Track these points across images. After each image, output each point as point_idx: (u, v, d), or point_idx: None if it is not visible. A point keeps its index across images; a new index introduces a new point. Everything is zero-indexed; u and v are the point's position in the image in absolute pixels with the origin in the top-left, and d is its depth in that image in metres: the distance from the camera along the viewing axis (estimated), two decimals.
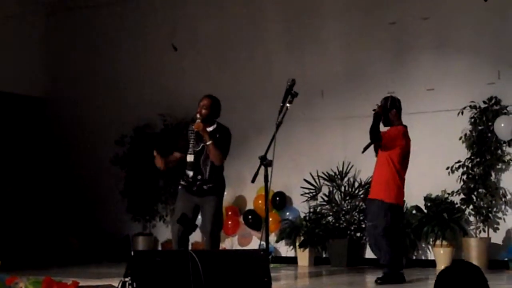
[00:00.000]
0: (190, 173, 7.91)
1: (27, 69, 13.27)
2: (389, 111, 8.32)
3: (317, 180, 11.15)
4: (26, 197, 12.74)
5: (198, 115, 7.82)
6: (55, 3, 13.62)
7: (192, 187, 7.91)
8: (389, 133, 8.30)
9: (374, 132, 8.16)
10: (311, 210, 11.10)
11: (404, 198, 10.12)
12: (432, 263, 10.18)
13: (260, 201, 11.30)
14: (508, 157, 10.08)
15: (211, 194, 7.90)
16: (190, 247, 8.37)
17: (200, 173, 7.87)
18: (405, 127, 8.36)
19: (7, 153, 12.68)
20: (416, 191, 10.12)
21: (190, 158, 7.91)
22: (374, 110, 8.29)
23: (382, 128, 8.40)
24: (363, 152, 8.47)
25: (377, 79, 10.95)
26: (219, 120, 8.05)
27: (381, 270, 8.23)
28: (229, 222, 11.68)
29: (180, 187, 8.08)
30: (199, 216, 8.06)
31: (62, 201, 13.14)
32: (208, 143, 7.74)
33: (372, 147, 8.42)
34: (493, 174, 10.11)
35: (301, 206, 11.29)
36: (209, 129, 7.87)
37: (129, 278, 5.39)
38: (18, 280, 6.84)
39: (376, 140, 8.19)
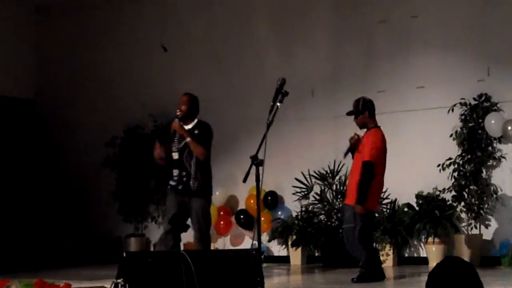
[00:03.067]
0: (176, 171, 8.06)
1: (16, 71, 13.24)
2: (361, 113, 8.32)
3: (308, 179, 11.15)
4: (17, 199, 12.70)
5: (178, 112, 8.04)
6: (44, 5, 13.58)
7: (178, 185, 8.01)
8: (370, 140, 8.22)
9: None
10: (303, 209, 11.11)
11: (396, 196, 10.23)
12: (424, 260, 10.20)
13: (252, 201, 11.30)
14: (498, 154, 10.10)
15: (199, 195, 8.01)
16: (182, 247, 8.36)
17: (184, 170, 8.00)
18: (379, 128, 8.34)
19: None
20: (408, 188, 10.15)
21: (175, 156, 8.07)
22: (350, 139, 8.34)
23: (358, 131, 8.44)
24: (344, 157, 8.60)
25: (367, 77, 10.96)
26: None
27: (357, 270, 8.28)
28: (221, 222, 11.67)
29: (168, 187, 8.19)
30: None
31: (53, 203, 13.11)
32: (187, 140, 7.91)
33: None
34: (484, 171, 10.13)
35: (293, 205, 11.29)
36: (189, 126, 8.08)
37: (121, 279, 5.39)
38: (10, 283, 6.83)
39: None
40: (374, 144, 8.16)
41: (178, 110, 8.08)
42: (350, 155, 8.46)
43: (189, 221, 8.07)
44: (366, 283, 8.01)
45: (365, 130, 8.39)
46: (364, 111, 8.30)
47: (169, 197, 8.18)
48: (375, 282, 8.06)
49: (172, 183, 8.10)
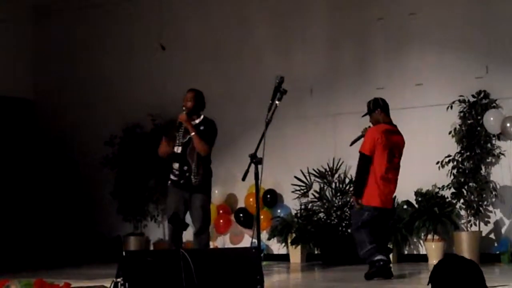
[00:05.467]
0: (176, 165, 8.14)
1: (15, 72, 13.22)
2: (373, 111, 8.29)
3: (307, 177, 11.15)
4: (16, 199, 12.68)
5: (184, 108, 8.17)
6: (42, 6, 13.57)
7: (180, 180, 8.10)
8: (368, 133, 8.22)
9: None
10: (302, 207, 11.10)
11: (395, 194, 10.18)
12: (424, 258, 10.21)
13: (251, 199, 11.30)
14: (497, 151, 10.10)
15: (199, 191, 8.10)
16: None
17: (186, 164, 8.08)
18: (387, 124, 8.28)
19: None
20: (407, 186, 10.11)
21: (177, 149, 8.15)
22: (363, 130, 8.35)
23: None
24: (350, 145, 8.51)
25: (366, 75, 10.97)
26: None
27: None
28: (221, 221, 11.67)
29: (169, 182, 8.28)
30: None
31: (52, 203, 13.09)
32: (192, 134, 8.02)
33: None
34: (483, 167, 10.14)
35: (292, 203, 11.29)
36: (196, 121, 8.20)
37: (121, 278, 5.38)
38: (9, 283, 6.81)
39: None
40: (370, 137, 8.14)
41: (184, 106, 8.17)
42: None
43: (187, 218, 8.17)
44: (371, 279, 7.97)
45: None
46: (375, 109, 8.28)
47: (170, 193, 8.26)
48: (378, 279, 8.01)
49: (173, 177, 8.18)
